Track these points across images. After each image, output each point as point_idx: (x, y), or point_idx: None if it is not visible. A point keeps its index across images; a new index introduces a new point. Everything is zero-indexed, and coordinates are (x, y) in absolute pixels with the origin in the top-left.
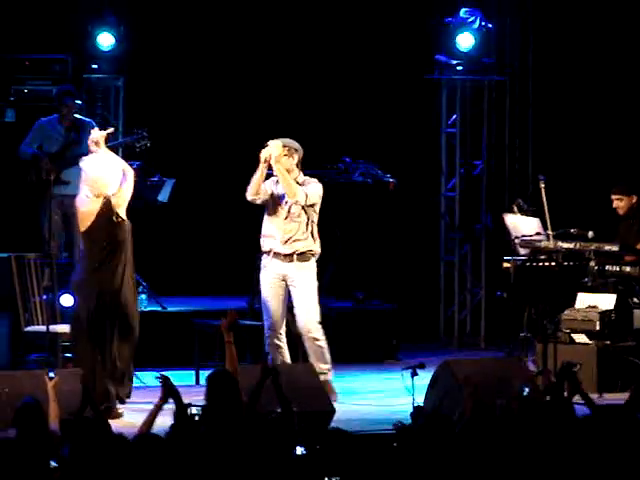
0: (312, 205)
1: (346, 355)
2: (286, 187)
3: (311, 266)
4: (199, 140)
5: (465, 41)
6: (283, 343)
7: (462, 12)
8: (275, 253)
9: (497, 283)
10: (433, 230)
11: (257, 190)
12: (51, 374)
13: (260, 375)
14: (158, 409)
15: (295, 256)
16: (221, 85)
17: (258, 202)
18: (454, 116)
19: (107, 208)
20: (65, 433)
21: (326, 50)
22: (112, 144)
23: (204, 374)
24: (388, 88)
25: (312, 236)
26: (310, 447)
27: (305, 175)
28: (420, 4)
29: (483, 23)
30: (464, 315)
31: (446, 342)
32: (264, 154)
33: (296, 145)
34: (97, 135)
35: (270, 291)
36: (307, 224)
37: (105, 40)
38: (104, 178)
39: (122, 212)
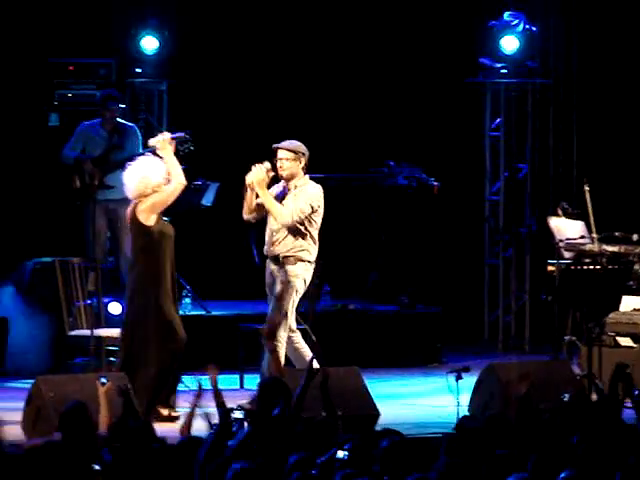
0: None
1: (391, 359)
2: (272, 211)
3: (294, 270)
4: (243, 143)
5: (509, 44)
6: (299, 343)
7: (506, 15)
8: (268, 256)
9: (542, 286)
10: (477, 234)
11: (249, 209)
12: (103, 380)
13: (305, 377)
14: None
15: (280, 258)
16: (264, 88)
17: (254, 221)
18: (498, 119)
19: (133, 213)
20: (110, 437)
21: (371, 54)
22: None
23: (248, 378)
24: (432, 92)
25: (303, 240)
26: (353, 450)
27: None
28: (464, 7)
29: (527, 26)
30: (509, 318)
31: (490, 345)
32: (248, 180)
33: (302, 149)
34: (161, 139)
35: (268, 293)
36: (296, 229)
37: (149, 44)
38: (139, 182)
39: (151, 219)
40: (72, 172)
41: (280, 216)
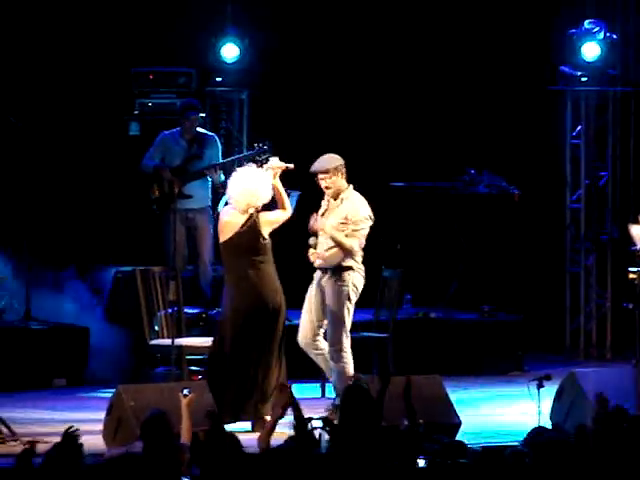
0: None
1: (472, 367)
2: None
3: (346, 279)
4: (323, 152)
5: (590, 52)
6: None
7: (586, 23)
8: (317, 266)
9: (623, 294)
10: (558, 241)
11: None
12: (185, 391)
13: (379, 385)
14: (277, 420)
15: (331, 269)
16: (343, 96)
17: None
18: (579, 127)
19: (252, 226)
20: (194, 449)
21: (454, 63)
22: (236, 157)
23: (330, 387)
24: (513, 100)
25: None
26: (432, 460)
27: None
28: (545, 15)
29: (607, 34)
30: (590, 326)
31: (572, 353)
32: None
33: (335, 162)
34: (275, 165)
35: (309, 302)
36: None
37: (229, 52)
38: (249, 193)
39: (266, 232)
40: (151, 181)
41: (352, 249)
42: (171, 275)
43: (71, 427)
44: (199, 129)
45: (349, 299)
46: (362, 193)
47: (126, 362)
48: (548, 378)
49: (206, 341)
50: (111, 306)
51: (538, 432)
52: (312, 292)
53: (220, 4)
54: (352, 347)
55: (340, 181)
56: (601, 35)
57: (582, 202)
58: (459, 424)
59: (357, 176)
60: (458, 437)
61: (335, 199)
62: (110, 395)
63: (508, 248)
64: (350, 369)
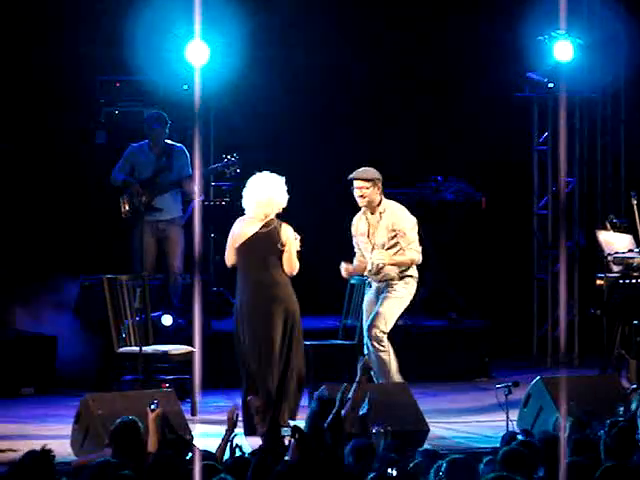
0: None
1: (440, 374)
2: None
3: (406, 287)
4: (291, 160)
5: (563, 53)
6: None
7: (553, 30)
8: (375, 281)
9: (590, 300)
10: (526, 248)
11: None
12: (153, 406)
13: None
14: (229, 438)
15: (391, 280)
16: (311, 104)
17: None
18: (545, 133)
19: (272, 231)
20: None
21: (418, 70)
22: (206, 170)
23: None
24: (480, 106)
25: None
26: (401, 467)
27: (390, 196)
28: (512, 22)
29: (575, 40)
30: (557, 333)
31: (539, 360)
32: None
33: (377, 174)
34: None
35: (367, 310)
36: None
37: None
38: (264, 203)
39: (283, 240)
40: (121, 194)
41: (414, 261)
42: (138, 283)
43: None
44: (167, 141)
45: (404, 305)
46: (327, 200)
47: (94, 370)
48: (516, 385)
49: (173, 349)
50: (79, 314)
51: (510, 437)
52: (371, 299)
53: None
54: (318, 355)
55: (375, 194)
56: (568, 41)
57: (549, 209)
58: (427, 431)
59: (323, 183)
60: (426, 444)
61: (372, 214)
62: (78, 403)
63: (475, 255)
64: (392, 358)
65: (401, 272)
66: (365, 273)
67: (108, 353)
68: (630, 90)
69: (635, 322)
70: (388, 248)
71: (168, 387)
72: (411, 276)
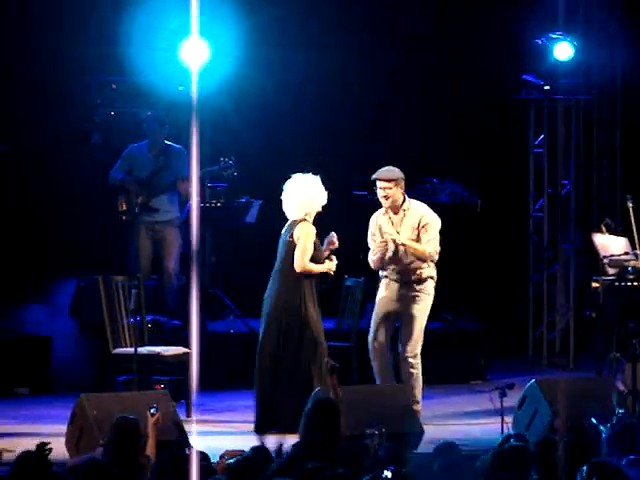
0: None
1: (435, 376)
2: (420, 256)
3: (427, 289)
4: (286, 161)
5: (563, 52)
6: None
7: (550, 33)
8: (397, 281)
9: (586, 303)
10: (522, 250)
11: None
12: (152, 410)
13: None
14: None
15: (414, 281)
16: (305, 103)
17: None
18: (541, 136)
19: (290, 227)
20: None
21: (414, 71)
22: (202, 171)
23: None
24: (476, 108)
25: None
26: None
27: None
28: (509, 24)
29: (571, 41)
30: (553, 335)
31: (535, 362)
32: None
33: (400, 174)
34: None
35: (386, 311)
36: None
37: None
38: (304, 202)
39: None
40: (118, 194)
41: (427, 254)
42: (133, 284)
43: (43, 443)
44: (167, 142)
45: (428, 311)
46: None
47: (89, 371)
48: (511, 387)
49: (168, 350)
50: (74, 315)
51: (504, 440)
52: (389, 299)
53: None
54: None
55: (398, 194)
56: (564, 44)
57: (545, 211)
58: (422, 433)
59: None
60: (420, 447)
61: (396, 213)
62: (72, 404)
63: (471, 257)
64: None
65: (421, 273)
66: (385, 267)
67: (103, 354)
68: (626, 92)
69: (630, 325)
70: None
71: (163, 388)
72: (432, 277)
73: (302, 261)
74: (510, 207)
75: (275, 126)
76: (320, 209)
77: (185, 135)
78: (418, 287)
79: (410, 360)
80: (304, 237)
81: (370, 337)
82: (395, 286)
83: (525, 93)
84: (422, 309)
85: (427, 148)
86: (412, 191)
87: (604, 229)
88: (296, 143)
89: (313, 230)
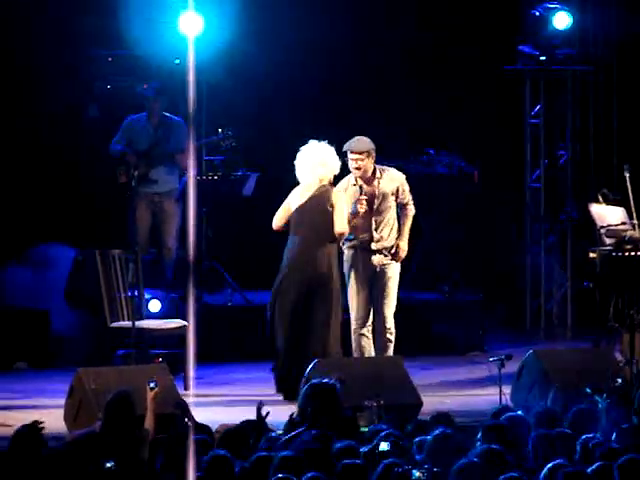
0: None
1: (433, 347)
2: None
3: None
4: (283, 134)
5: (561, 21)
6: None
7: (546, 3)
8: (374, 248)
9: (583, 273)
10: (518, 221)
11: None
12: (152, 384)
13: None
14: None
15: (389, 250)
16: (301, 77)
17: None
18: (537, 107)
19: (323, 194)
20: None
21: (408, 42)
22: (200, 142)
23: None
24: (472, 79)
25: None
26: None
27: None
28: None
29: (567, 13)
30: (551, 306)
31: (533, 333)
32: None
33: (371, 145)
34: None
35: (362, 282)
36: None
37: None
38: (317, 166)
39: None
40: (118, 165)
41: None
42: (131, 258)
43: (37, 421)
44: (165, 113)
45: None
46: None
47: (87, 345)
48: (509, 358)
49: (166, 323)
50: (71, 288)
51: (499, 411)
52: (361, 272)
53: None
54: None
55: (370, 165)
56: (560, 14)
57: (542, 182)
58: (420, 405)
59: None
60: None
61: (368, 184)
62: (71, 378)
63: (468, 228)
64: None
65: (391, 239)
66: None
67: (102, 327)
68: (623, 61)
69: (628, 295)
70: (382, 211)
71: (161, 361)
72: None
73: (344, 224)
74: (506, 178)
75: (273, 96)
76: (332, 177)
77: (182, 109)
78: (390, 264)
79: (390, 331)
80: (340, 202)
81: (354, 326)
82: (367, 256)
83: (521, 64)
84: (395, 277)
85: (423, 119)
86: (409, 162)
87: (601, 199)
88: (295, 112)
89: (344, 195)
